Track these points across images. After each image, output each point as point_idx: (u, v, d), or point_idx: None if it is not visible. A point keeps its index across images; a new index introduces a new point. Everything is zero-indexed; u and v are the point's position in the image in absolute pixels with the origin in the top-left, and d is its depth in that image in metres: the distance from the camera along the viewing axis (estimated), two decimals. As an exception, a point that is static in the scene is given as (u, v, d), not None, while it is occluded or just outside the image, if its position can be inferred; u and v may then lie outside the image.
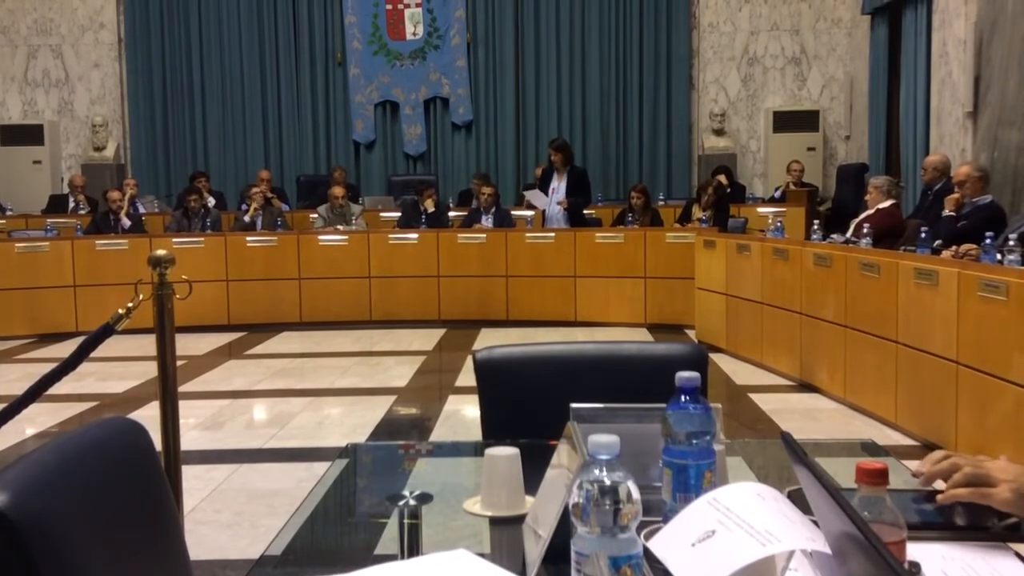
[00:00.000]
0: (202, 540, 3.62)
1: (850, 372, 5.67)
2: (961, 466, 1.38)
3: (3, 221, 10.24)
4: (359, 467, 2.06)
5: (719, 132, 11.95)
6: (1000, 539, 1.35)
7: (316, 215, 9.78)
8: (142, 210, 10.50)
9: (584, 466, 1.12)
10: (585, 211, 9.53)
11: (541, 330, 8.24)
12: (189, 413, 5.38)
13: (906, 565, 1.19)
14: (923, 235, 5.37)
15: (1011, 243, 4.58)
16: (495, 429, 2.14)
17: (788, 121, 11.74)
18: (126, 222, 9.45)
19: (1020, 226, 5.29)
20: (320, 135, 12.54)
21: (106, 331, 3.27)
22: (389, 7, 12.29)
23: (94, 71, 12.39)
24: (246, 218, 9.58)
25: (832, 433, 5.19)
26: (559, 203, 9.06)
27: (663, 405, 1.36)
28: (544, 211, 9.33)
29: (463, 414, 5.57)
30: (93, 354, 3.35)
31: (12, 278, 8.51)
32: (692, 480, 1.31)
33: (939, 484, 1.43)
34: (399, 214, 9.89)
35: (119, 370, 6.83)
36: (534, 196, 9.50)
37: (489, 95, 12.42)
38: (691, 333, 7.94)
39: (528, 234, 8.97)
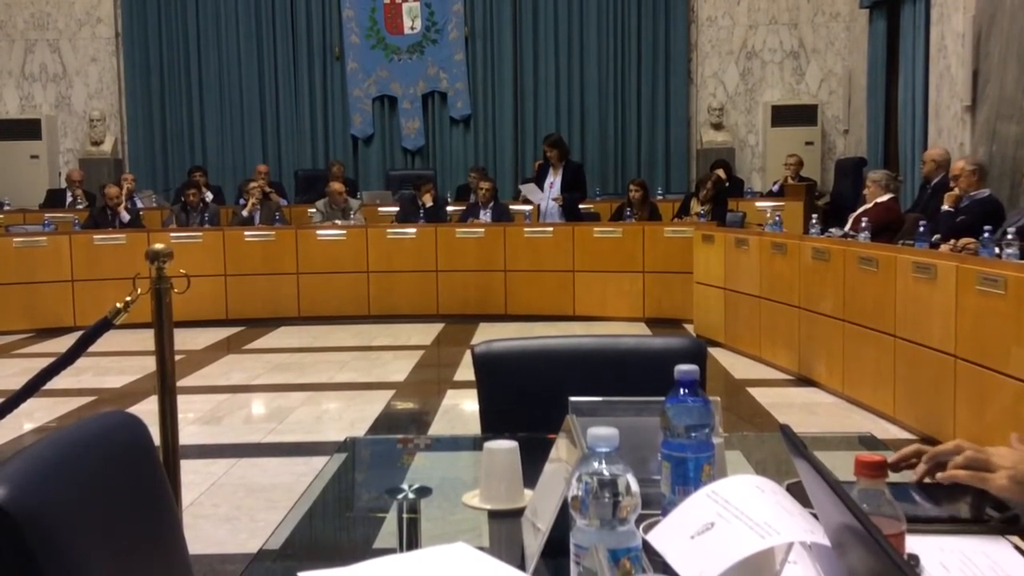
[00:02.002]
0: (201, 534, 3.62)
1: (848, 366, 5.67)
2: (964, 448, 1.41)
3: (1, 216, 10.23)
4: (358, 461, 2.06)
5: (717, 126, 11.94)
6: (998, 532, 1.35)
7: (314, 210, 9.77)
8: (140, 205, 10.49)
9: (583, 459, 1.12)
10: (582, 206, 9.53)
11: (539, 324, 8.24)
12: (188, 407, 5.39)
13: (905, 557, 1.19)
14: (921, 229, 5.37)
15: (1009, 237, 4.58)
16: (494, 423, 2.14)
17: (786, 115, 11.73)
18: (124, 216, 9.43)
19: (1018, 220, 5.29)
20: (318, 129, 12.52)
21: (104, 325, 3.27)
22: (387, 1, 12.27)
23: (91, 66, 12.36)
24: (244, 212, 9.57)
25: (830, 427, 5.19)
26: (554, 199, 9.06)
27: (662, 398, 1.36)
28: (539, 206, 9.33)
29: (462, 408, 5.58)
30: (91, 349, 3.35)
31: (10, 273, 8.50)
32: (691, 473, 1.31)
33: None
34: (397, 209, 9.88)
35: (117, 365, 6.82)
36: (529, 190, 9.50)
37: (487, 89, 12.41)
38: (689, 327, 7.94)
39: (526, 229, 8.97)
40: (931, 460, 1.45)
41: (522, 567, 1.28)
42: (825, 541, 1.07)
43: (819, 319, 5.99)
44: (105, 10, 12.27)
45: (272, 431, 5.22)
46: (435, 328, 8.47)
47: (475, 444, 1.94)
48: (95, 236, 8.82)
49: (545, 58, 12.26)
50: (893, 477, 1.44)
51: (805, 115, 11.75)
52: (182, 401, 3.41)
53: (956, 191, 6.24)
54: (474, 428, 2.25)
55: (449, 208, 9.96)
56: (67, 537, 1.23)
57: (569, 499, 1.11)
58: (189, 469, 4.09)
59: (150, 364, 3.40)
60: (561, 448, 1.41)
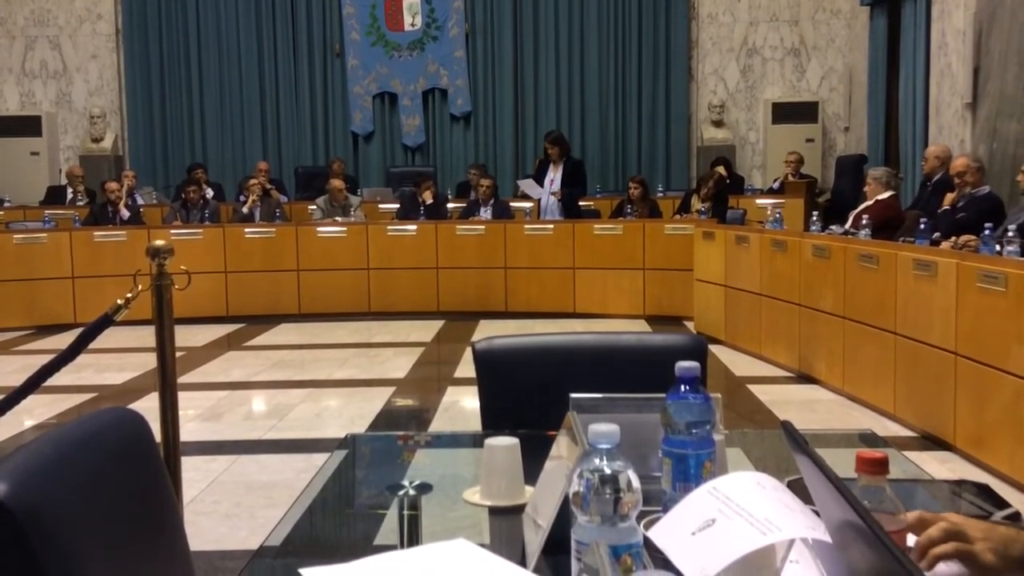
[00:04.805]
0: (201, 531, 3.62)
1: (849, 363, 5.67)
2: (928, 520, 1.24)
3: (1, 213, 10.22)
4: (358, 458, 2.06)
5: (718, 123, 11.93)
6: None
7: (314, 207, 9.76)
8: (140, 201, 10.49)
9: (584, 455, 1.12)
10: (582, 203, 9.52)
11: (539, 322, 8.23)
12: (188, 404, 5.37)
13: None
14: (922, 226, 5.36)
15: (1010, 234, 4.58)
16: (494, 420, 2.14)
17: (787, 112, 11.72)
18: (124, 213, 9.43)
19: (1019, 217, 5.29)
20: (318, 126, 12.51)
21: (105, 322, 3.27)
22: (387, -2, 12.27)
23: (92, 62, 12.35)
24: (244, 209, 9.57)
25: (831, 424, 5.19)
26: (552, 193, 9.06)
27: (663, 395, 1.36)
28: (539, 201, 9.33)
29: (462, 405, 5.58)
30: (92, 345, 3.35)
31: (10, 270, 8.50)
32: (692, 470, 1.31)
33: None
34: (397, 206, 9.87)
35: (118, 361, 6.82)
36: (528, 186, 9.50)
37: (488, 86, 12.39)
38: (690, 325, 7.94)
39: (527, 226, 8.97)
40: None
41: (523, 564, 1.27)
42: (826, 537, 1.07)
43: (819, 316, 5.99)
44: (105, 7, 12.26)
45: (272, 428, 5.22)
46: (435, 325, 8.46)
47: (476, 441, 1.93)
48: (95, 233, 8.81)
49: (545, 55, 12.24)
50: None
51: (806, 112, 11.74)
52: (182, 398, 3.40)
53: (957, 191, 6.23)
54: (475, 425, 2.25)
55: (449, 205, 9.94)
56: (67, 533, 1.23)
57: (570, 495, 1.11)
58: (189, 466, 4.09)
59: (150, 361, 3.39)
60: (562, 445, 1.41)
